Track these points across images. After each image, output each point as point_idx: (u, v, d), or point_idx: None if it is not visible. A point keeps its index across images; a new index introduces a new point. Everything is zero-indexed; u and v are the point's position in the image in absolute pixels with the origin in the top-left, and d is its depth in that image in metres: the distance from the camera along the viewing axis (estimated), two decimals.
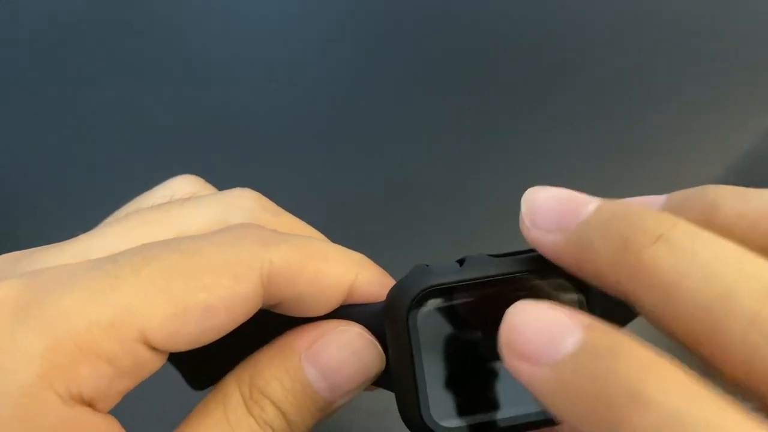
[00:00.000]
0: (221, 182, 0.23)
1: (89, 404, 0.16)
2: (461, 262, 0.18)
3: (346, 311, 0.18)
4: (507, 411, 0.18)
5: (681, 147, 0.36)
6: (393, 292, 0.18)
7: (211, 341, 0.17)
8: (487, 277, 0.17)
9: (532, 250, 0.18)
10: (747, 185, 0.16)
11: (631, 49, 0.39)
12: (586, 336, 0.13)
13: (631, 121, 0.37)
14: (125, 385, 0.16)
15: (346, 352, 0.18)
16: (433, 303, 0.18)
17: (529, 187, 0.37)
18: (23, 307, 0.15)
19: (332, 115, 0.38)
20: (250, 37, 0.42)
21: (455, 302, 0.18)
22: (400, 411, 0.18)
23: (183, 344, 0.16)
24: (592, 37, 0.40)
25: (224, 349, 0.17)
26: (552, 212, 0.16)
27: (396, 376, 0.18)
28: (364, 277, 0.18)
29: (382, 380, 0.19)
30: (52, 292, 0.16)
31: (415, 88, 0.39)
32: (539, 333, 0.14)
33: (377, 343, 0.18)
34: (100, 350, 0.15)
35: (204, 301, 0.16)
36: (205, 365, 0.18)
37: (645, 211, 0.14)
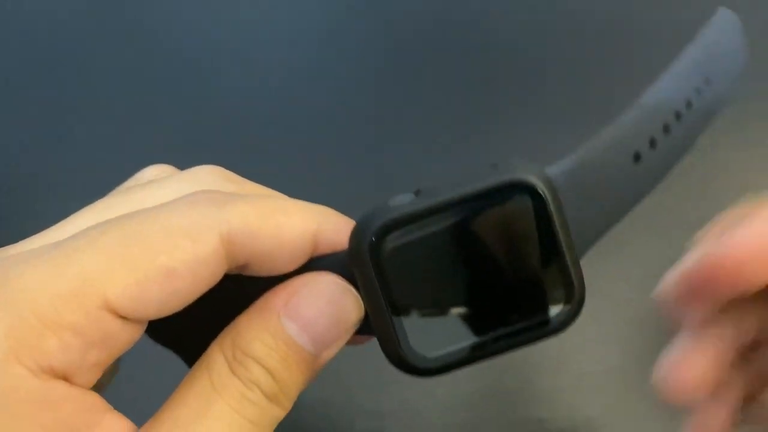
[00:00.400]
0: None
1: (64, 377, 0.16)
2: (417, 192, 0.17)
3: (316, 264, 0.18)
4: (487, 335, 0.18)
5: None
6: (353, 234, 0.18)
7: (181, 307, 0.17)
8: (444, 201, 0.17)
9: (489, 168, 0.18)
10: None
11: (632, 49, 0.39)
12: None
13: None
14: (98, 356, 0.16)
15: (322, 301, 0.17)
16: (396, 237, 0.17)
17: None
18: None
19: (331, 115, 0.39)
20: (249, 37, 0.42)
21: (417, 233, 0.17)
22: (383, 350, 0.18)
23: (150, 310, 0.16)
24: (593, 37, 0.40)
25: (215, 325, 0.17)
26: None
27: (372, 316, 0.18)
28: (327, 226, 0.18)
29: (365, 328, 0.18)
30: (11, 271, 0.16)
31: (415, 88, 0.39)
32: None
33: (353, 288, 0.18)
34: (65, 321, 0.15)
35: (164, 263, 0.16)
36: (201, 344, 0.18)
37: None
